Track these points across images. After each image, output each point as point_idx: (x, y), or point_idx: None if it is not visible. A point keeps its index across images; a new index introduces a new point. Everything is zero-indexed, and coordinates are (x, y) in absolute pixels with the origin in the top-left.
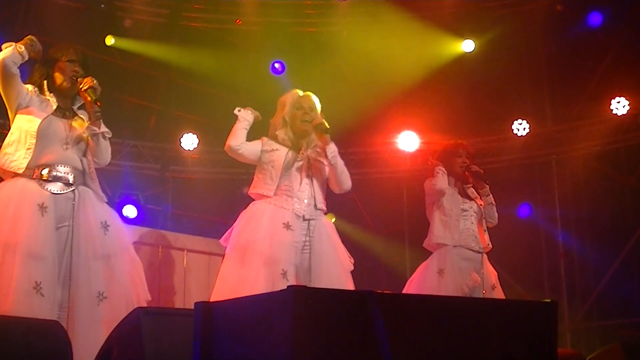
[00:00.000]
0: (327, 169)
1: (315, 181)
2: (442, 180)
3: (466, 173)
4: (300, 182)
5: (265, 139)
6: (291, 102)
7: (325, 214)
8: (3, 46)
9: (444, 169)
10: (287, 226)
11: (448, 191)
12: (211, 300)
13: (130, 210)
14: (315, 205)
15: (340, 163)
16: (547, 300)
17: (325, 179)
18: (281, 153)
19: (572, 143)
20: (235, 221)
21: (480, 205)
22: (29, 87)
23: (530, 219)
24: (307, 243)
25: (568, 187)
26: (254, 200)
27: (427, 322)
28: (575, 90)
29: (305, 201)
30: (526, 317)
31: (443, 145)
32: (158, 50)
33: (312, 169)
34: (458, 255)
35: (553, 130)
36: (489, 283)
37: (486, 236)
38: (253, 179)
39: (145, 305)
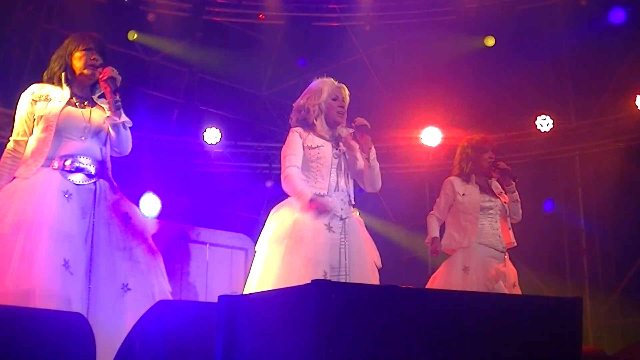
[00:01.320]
0: (357, 165)
1: (349, 177)
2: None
3: (492, 169)
4: (337, 180)
5: (300, 131)
6: (329, 91)
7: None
8: None
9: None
10: (329, 228)
11: (466, 191)
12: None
13: (152, 205)
14: (349, 202)
15: (377, 164)
16: (571, 296)
17: (354, 174)
18: (327, 149)
19: (596, 139)
20: (259, 215)
21: (505, 202)
22: (32, 96)
23: (553, 215)
24: (343, 240)
25: (591, 183)
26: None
27: (450, 318)
28: (599, 86)
29: (342, 200)
30: (551, 314)
31: (468, 140)
32: (179, 47)
33: (346, 165)
34: (483, 253)
35: (576, 125)
36: (510, 281)
37: (511, 233)
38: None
39: (166, 297)
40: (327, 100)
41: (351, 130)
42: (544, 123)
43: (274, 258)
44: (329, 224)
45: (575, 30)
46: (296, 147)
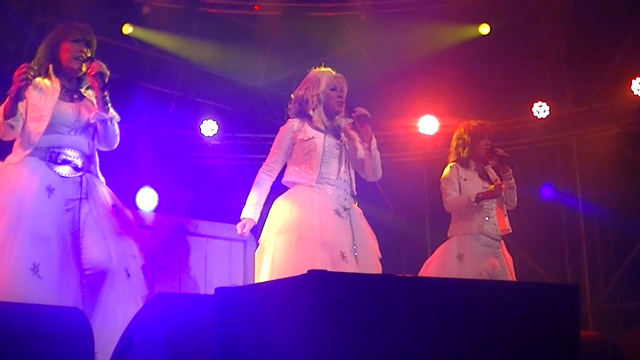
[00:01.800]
0: (358, 154)
1: (350, 167)
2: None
3: (489, 155)
4: (339, 170)
5: (295, 123)
6: (327, 81)
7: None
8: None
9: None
10: (338, 213)
11: (467, 177)
12: None
13: (149, 199)
14: (351, 192)
15: (378, 153)
16: (569, 282)
17: (354, 164)
18: (319, 140)
19: (593, 125)
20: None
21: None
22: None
23: (552, 201)
24: (351, 229)
25: (589, 169)
26: (288, 188)
27: (448, 305)
28: (595, 72)
29: (344, 189)
30: (549, 299)
31: (465, 126)
32: (175, 40)
33: (347, 155)
34: (477, 241)
35: (573, 112)
36: (505, 269)
37: (506, 220)
38: (286, 166)
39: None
40: (326, 91)
41: (350, 121)
42: (541, 110)
43: (286, 246)
44: (337, 209)
45: (571, 16)
46: (283, 144)
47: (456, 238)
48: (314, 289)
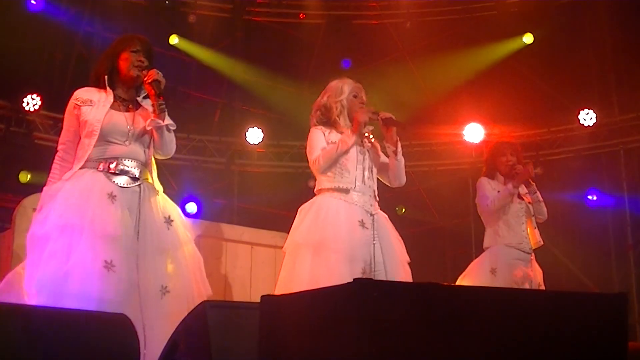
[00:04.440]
0: (380, 160)
1: (373, 173)
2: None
3: (510, 172)
4: (363, 175)
5: (322, 128)
6: (349, 88)
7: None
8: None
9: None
10: (362, 224)
11: (499, 189)
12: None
13: (191, 206)
14: (375, 197)
15: (403, 159)
16: (616, 292)
17: (378, 170)
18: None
19: None
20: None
21: (529, 203)
22: (76, 102)
23: (598, 209)
24: (375, 237)
25: (636, 176)
26: (320, 191)
27: (492, 315)
28: None
29: (369, 195)
30: (595, 310)
31: (490, 144)
32: (220, 48)
33: (371, 161)
34: (509, 255)
35: (620, 119)
36: (535, 281)
37: (536, 232)
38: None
39: (206, 300)
40: (349, 97)
41: (371, 128)
42: (587, 117)
43: (308, 257)
44: (362, 220)
45: (617, 23)
46: (320, 144)
47: (489, 252)
48: (360, 298)
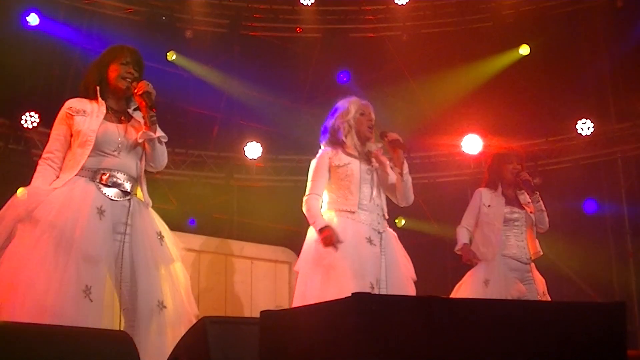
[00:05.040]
0: (389, 179)
1: (382, 192)
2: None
3: (515, 180)
4: (371, 194)
5: (329, 151)
6: (355, 107)
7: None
8: None
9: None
10: (370, 241)
11: (492, 202)
12: None
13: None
14: (384, 216)
15: (410, 178)
16: (615, 301)
17: (386, 189)
18: (355, 166)
19: (638, 140)
20: (301, 228)
21: (530, 212)
22: (68, 111)
23: (598, 218)
24: (382, 254)
25: (635, 185)
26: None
27: (491, 327)
28: (638, 87)
29: (377, 213)
30: (594, 318)
31: (494, 151)
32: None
33: (378, 180)
34: (505, 265)
35: (618, 127)
36: (539, 290)
37: (536, 242)
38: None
39: (194, 318)
40: (356, 116)
41: (380, 145)
42: (585, 127)
43: (318, 276)
44: (370, 237)
45: (613, 33)
46: (322, 172)
47: (484, 263)
48: (359, 311)
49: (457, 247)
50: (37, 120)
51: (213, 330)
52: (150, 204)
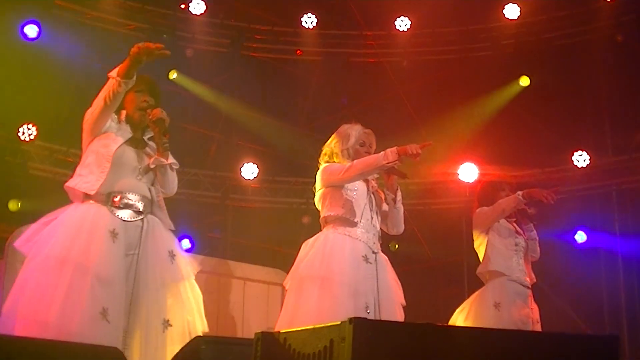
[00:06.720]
0: (382, 207)
1: (379, 215)
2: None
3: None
4: (371, 215)
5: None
6: (356, 136)
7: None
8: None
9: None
10: (366, 259)
11: (502, 223)
12: (280, 329)
13: (185, 242)
14: (379, 238)
15: (402, 207)
16: (608, 333)
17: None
18: (361, 186)
19: (633, 174)
20: (296, 250)
21: (525, 240)
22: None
23: (591, 250)
24: (376, 273)
25: (629, 217)
26: (326, 221)
27: (487, 356)
28: (636, 121)
29: (374, 234)
30: (587, 351)
31: (486, 180)
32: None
33: (376, 203)
34: (512, 289)
35: (613, 161)
36: (534, 317)
37: (531, 271)
38: (328, 201)
39: (202, 335)
40: (355, 146)
41: (376, 176)
42: (581, 159)
43: (314, 290)
44: (366, 255)
45: (612, 66)
46: (341, 165)
47: (491, 285)
48: (355, 336)
49: (520, 193)
50: (35, 133)
51: (206, 350)
52: (172, 227)
